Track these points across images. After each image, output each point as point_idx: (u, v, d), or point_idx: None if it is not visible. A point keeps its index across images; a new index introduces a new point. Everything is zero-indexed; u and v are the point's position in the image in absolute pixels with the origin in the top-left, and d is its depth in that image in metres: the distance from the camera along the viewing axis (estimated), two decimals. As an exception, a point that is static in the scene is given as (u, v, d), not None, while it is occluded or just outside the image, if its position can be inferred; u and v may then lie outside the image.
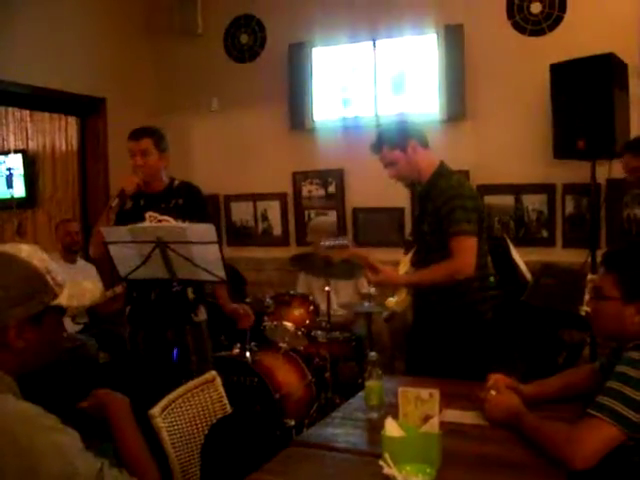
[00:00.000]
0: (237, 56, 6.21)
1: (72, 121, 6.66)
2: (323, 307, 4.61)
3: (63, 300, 1.66)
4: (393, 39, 5.65)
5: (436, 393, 2.17)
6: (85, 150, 6.19)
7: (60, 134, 7.03)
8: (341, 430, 2.33)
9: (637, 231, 4.89)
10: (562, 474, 1.89)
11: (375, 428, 2.11)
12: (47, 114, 6.95)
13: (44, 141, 7.18)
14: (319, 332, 4.56)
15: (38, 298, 1.57)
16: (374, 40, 5.70)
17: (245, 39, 6.17)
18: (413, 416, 2.16)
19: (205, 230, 3.11)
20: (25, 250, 1.61)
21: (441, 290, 3.13)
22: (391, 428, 1.96)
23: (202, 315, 3.73)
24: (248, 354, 4.25)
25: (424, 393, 2.18)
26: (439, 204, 3.10)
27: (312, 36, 5.85)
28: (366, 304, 4.46)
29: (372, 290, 4.52)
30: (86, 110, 6.03)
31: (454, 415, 2.36)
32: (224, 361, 4.20)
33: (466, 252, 3.01)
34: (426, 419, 2.07)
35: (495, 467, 1.97)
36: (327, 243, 3.54)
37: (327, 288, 4.32)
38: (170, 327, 3.55)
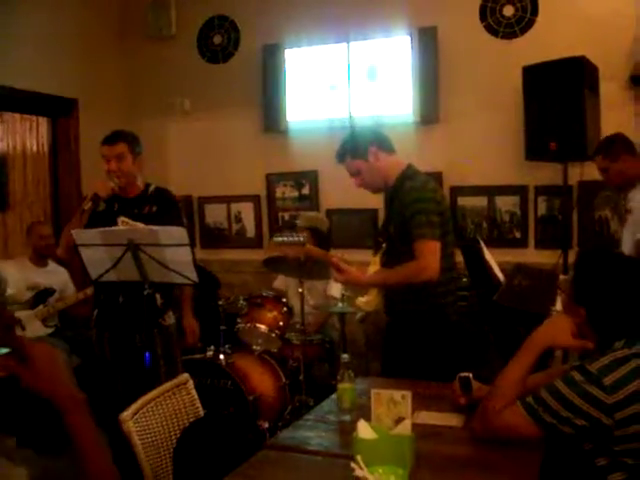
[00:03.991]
0: (210, 57, 6.18)
1: (43, 122, 6.57)
2: (297, 308, 4.59)
3: None
4: (366, 41, 5.66)
5: (408, 395, 2.17)
6: (56, 151, 6.13)
7: (31, 135, 6.92)
8: (313, 433, 2.32)
9: (608, 232, 4.95)
10: (533, 475, 1.90)
11: (347, 430, 2.11)
12: (17, 115, 6.84)
13: (14, 142, 7.06)
14: (293, 334, 4.55)
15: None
16: (348, 42, 5.71)
17: (219, 40, 6.14)
18: (386, 418, 2.16)
19: (177, 233, 3.10)
20: None
21: (408, 293, 3.15)
22: (363, 430, 1.96)
23: (170, 319, 3.71)
24: (222, 356, 4.24)
25: (396, 395, 2.18)
26: (403, 207, 3.11)
27: (286, 37, 5.84)
28: (340, 305, 4.45)
29: (339, 294, 4.51)
30: (57, 111, 5.97)
31: (427, 417, 2.37)
32: (197, 364, 4.18)
33: (428, 255, 3.02)
34: (398, 421, 2.08)
35: (467, 468, 1.97)
36: (279, 239, 3.45)
37: (300, 289, 4.30)
38: (137, 331, 3.51)
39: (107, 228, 3.27)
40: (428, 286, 3.07)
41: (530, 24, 5.13)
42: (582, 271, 2.14)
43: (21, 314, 4.71)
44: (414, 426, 2.05)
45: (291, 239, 3.42)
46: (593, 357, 1.97)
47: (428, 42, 5.36)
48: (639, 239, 3.77)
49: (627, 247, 3.87)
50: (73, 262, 3.43)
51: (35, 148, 6.93)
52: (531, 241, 5.24)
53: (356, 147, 3.26)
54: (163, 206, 3.66)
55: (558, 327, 2.14)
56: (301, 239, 3.43)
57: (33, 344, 1.52)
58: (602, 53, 4.66)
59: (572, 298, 2.11)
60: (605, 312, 2.03)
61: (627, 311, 2.00)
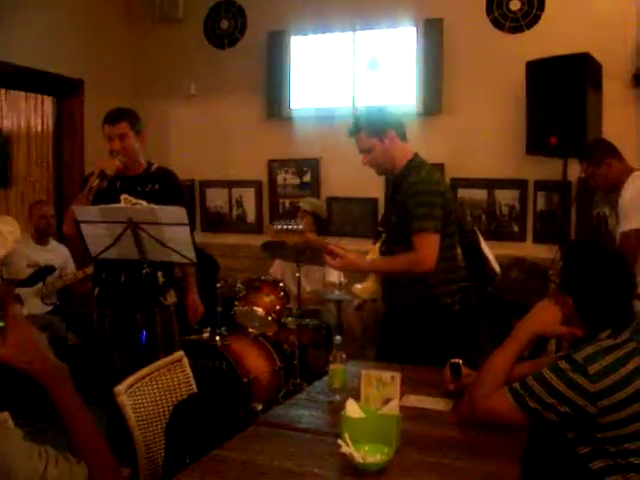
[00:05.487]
0: (217, 42, 6.20)
1: (48, 101, 6.60)
2: (294, 294, 4.62)
3: None
4: (372, 30, 5.68)
5: (397, 376, 2.21)
6: (61, 131, 6.14)
7: (36, 114, 6.96)
8: (304, 411, 2.36)
9: (606, 229, 4.97)
10: (514, 457, 1.94)
11: (337, 410, 2.13)
12: (23, 93, 6.87)
13: (19, 120, 7.10)
14: (289, 318, 4.58)
15: None
16: (353, 31, 5.72)
17: (225, 25, 6.15)
18: (374, 398, 2.21)
19: (176, 212, 3.13)
20: None
21: (407, 282, 3.17)
22: (351, 409, 2.00)
23: (171, 298, 3.74)
24: (218, 338, 4.27)
25: (386, 376, 2.22)
26: (406, 197, 3.12)
27: (292, 24, 5.85)
28: (336, 292, 4.48)
29: (337, 280, 4.53)
30: (63, 91, 5.98)
31: (416, 400, 2.41)
32: (193, 345, 4.21)
33: (427, 248, 3.05)
34: (387, 401, 2.11)
35: (452, 449, 2.01)
36: (279, 227, 3.44)
37: (297, 274, 4.33)
38: (138, 310, 3.54)
39: (108, 205, 3.30)
40: (427, 276, 3.10)
41: (536, 19, 5.14)
42: (570, 261, 2.18)
43: (20, 291, 4.75)
44: (402, 408, 2.09)
45: (290, 227, 3.40)
46: (580, 347, 2.01)
47: (434, 34, 5.37)
48: (622, 232, 3.81)
49: None
50: (77, 239, 3.45)
51: (39, 127, 6.96)
52: (529, 235, 5.27)
53: (375, 126, 3.23)
54: (166, 185, 3.69)
55: (546, 315, 2.17)
56: (300, 227, 3.41)
57: (10, 319, 1.48)
58: (606, 51, 4.67)
59: (560, 287, 2.15)
60: (591, 302, 2.07)
61: (612, 301, 2.05)
